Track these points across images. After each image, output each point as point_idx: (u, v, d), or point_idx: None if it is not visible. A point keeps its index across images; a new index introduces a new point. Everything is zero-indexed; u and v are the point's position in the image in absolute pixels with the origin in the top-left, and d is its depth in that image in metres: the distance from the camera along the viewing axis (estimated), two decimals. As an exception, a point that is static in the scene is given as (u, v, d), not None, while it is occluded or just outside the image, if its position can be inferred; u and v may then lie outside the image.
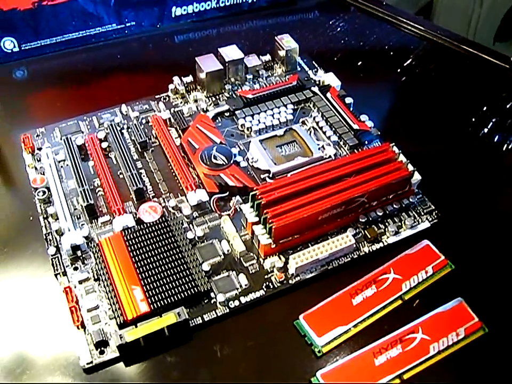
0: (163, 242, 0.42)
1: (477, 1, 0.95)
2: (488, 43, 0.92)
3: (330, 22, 0.63)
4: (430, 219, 0.46)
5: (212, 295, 0.41)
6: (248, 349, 0.39)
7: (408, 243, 0.44)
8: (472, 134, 0.53)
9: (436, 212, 0.46)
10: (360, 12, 0.66)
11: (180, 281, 0.40)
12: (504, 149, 0.52)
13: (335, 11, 0.65)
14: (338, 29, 0.62)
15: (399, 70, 0.59)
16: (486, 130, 0.53)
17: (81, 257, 0.43)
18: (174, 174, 0.48)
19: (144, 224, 0.43)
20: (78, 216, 0.45)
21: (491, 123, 0.54)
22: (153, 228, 0.43)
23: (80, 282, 0.41)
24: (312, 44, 0.60)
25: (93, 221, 0.45)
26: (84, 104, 0.54)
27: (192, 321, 0.40)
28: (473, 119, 0.54)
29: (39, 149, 0.49)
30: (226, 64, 0.52)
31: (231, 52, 0.53)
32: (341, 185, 0.44)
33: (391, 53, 0.61)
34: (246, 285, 0.42)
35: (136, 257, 0.41)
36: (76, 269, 0.42)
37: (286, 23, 0.64)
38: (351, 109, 0.51)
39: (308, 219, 0.42)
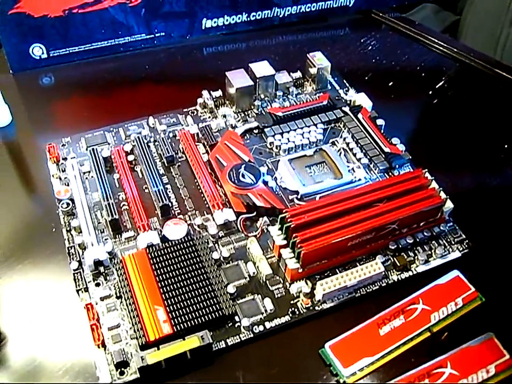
0: (188, 262, 0.41)
1: (506, 20, 0.94)
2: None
3: (361, 40, 0.62)
4: (461, 249, 0.45)
5: (236, 318, 0.40)
6: (271, 376, 0.38)
7: (438, 273, 0.43)
8: (506, 161, 0.52)
9: (467, 241, 0.45)
10: (391, 31, 0.65)
11: (204, 303, 0.40)
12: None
13: (366, 29, 0.64)
14: (369, 47, 0.61)
15: (430, 92, 0.57)
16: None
17: (103, 273, 0.42)
18: (200, 191, 0.47)
19: (169, 242, 0.42)
20: (102, 231, 0.44)
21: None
22: (178, 246, 0.42)
23: (102, 299, 0.41)
24: (343, 62, 0.59)
25: (117, 236, 0.44)
26: (110, 114, 0.53)
27: (215, 345, 0.39)
28: (506, 146, 0.53)
29: (64, 159, 0.49)
30: (257, 80, 0.52)
31: (262, 68, 0.52)
32: (372, 211, 0.43)
33: (423, 74, 0.60)
34: (271, 310, 0.41)
35: (160, 276, 0.40)
36: (97, 285, 0.41)
37: (317, 39, 0.63)
38: (382, 131, 0.50)
39: (337, 245, 0.41)
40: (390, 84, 0.58)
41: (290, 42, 0.62)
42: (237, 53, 0.60)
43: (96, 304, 0.40)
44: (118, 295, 0.41)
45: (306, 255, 0.40)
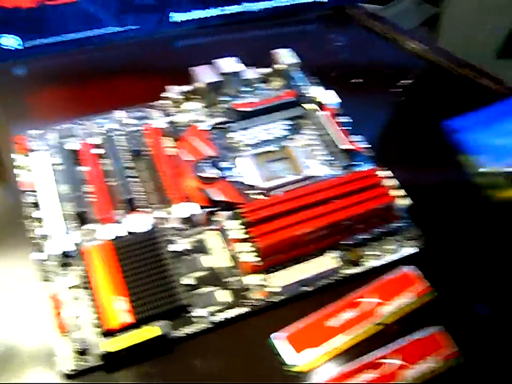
0: (150, 254, 0.43)
1: (485, 13, 0.95)
2: (493, 57, 0.92)
3: (332, 36, 0.63)
4: (416, 245, 0.46)
5: (194, 309, 0.42)
6: (227, 364, 0.40)
7: (392, 268, 0.45)
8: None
9: (423, 238, 0.47)
10: (362, 27, 0.66)
11: (164, 294, 0.41)
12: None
13: (337, 24, 0.65)
14: (339, 43, 0.62)
15: (398, 89, 0.59)
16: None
17: (68, 264, 0.43)
18: (164, 185, 0.48)
19: (133, 235, 0.44)
20: (68, 222, 0.46)
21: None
22: (141, 238, 0.44)
23: (67, 289, 0.42)
24: (312, 58, 0.60)
25: (83, 227, 0.45)
26: (81, 106, 0.54)
27: (173, 334, 0.41)
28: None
29: (33, 150, 0.50)
30: (223, 76, 0.53)
31: (229, 64, 0.53)
32: (327, 207, 0.44)
33: (392, 72, 0.61)
34: (228, 301, 0.42)
35: (123, 267, 0.42)
36: (63, 275, 0.43)
37: (287, 34, 0.64)
38: (348, 128, 0.52)
39: (293, 239, 0.43)
40: (358, 81, 0.59)
41: (260, 37, 0.63)
42: (208, 47, 0.61)
43: (61, 294, 0.42)
44: (82, 285, 0.42)
45: (262, 249, 0.42)
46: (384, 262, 0.45)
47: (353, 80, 0.59)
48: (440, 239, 0.47)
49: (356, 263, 0.45)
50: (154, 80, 0.56)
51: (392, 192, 0.46)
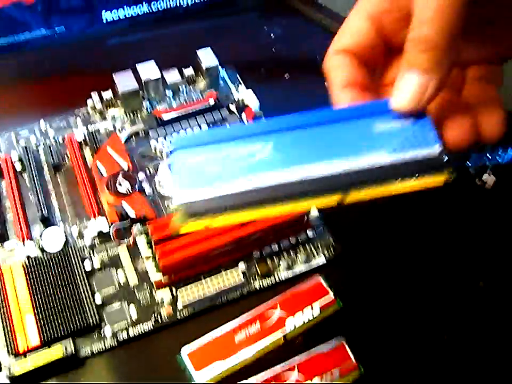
0: (61, 272, 0.44)
1: None
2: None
3: (265, 27, 0.61)
4: (327, 254, 0.47)
5: (103, 326, 0.43)
6: (134, 380, 0.42)
7: (301, 279, 0.45)
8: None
9: (334, 246, 0.47)
10: (297, 15, 0.64)
11: (72, 312, 0.43)
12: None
13: (272, 14, 0.63)
14: (272, 34, 0.61)
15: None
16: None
17: (-17, 283, 0.45)
18: (81, 199, 0.49)
19: (46, 254, 0.45)
20: (-15, 240, 0.47)
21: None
22: (53, 257, 0.45)
23: (-20, 308, 0.44)
24: (242, 53, 0.59)
25: (1, 245, 0.47)
26: (6, 114, 0.55)
27: (82, 351, 0.42)
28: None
29: (-43, 166, 0.51)
30: (144, 82, 0.52)
31: (149, 69, 0.52)
32: (234, 222, 0.44)
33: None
34: (135, 318, 0.43)
35: (32, 287, 0.43)
36: (-22, 294, 0.44)
37: (220, 27, 0.62)
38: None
39: (199, 256, 0.44)
40: (285, 76, 0.58)
41: (193, 32, 0.61)
42: (135, 47, 0.60)
43: (-25, 313, 0.44)
44: (-4, 304, 0.44)
45: (165, 267, 0.43)
46: (293, 274, 0.46)
47: (286, 75, 0.58)
48: (352, 248, 0.47)
49: (264, 276, 0.45)
50: (80, 85, 0.56)
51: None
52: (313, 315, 0.44)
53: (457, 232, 0.48)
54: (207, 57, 0.54)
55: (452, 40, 0.28)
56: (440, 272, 0.46)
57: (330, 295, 0.44)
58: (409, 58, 0.29)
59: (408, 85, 0.29)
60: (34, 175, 0.49)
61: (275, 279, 0.46)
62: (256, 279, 0.45)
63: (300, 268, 0.46)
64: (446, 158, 0.29)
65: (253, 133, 0.30)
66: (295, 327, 0.43)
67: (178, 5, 0.61)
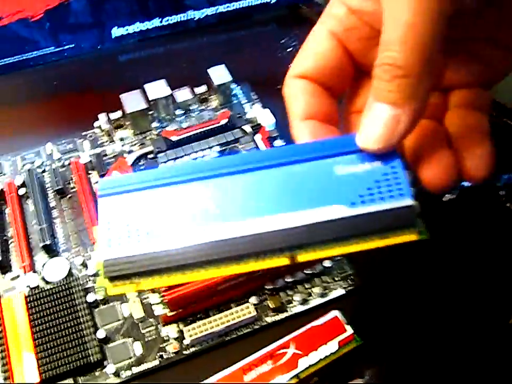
0: (63, 305, 0.42)
1: None
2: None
3: (282, 41, 0.59)
4: (345, 285, 0.44)
5: (105, 363, 0.41)
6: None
7: (317, 313, 0.42)
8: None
9: (352, 277, 0.44)
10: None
11: (73, 350, 0.40)
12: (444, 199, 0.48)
13: (290, 27, 0.60)
14: (290, 48, 0.58)
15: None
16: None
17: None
18: (86, 226, 0.47)
19: (48, 285, 0.43)
20: (-13, 270, 0.45)
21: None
22: (55, 289, 0.42)
23: (-20, 342, 0.42)
24: (258, 69, 0.56)
25: (3, 275, 0.45)
26: (13, 135, 0.53)
27: (83, 391, 0.40)
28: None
29: (-40, 191, 0.49)
30: (153, 102, 0.50)
31: (158, 88, 0.50)
32: (244, 253, 0.42)
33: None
34: (140, 354, 0.41)
35: (33, 322, 0.41)
36: (-23, 328, 0.43)
37: (235, 41, 0.60)
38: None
39: (207, 289, 0.41)
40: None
41: (206, 46, 0.59)
42: (145, 64, 0.58)
43: (-26, 347, 0.42)
44: (-5, 339, 0.42)
45: (170, 303, 0.40)
46: (307, 307, 0.43)
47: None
48: (372, 279, 0.44)
49: (277, 310, 0.43)
50: (89, 105, 0.54)
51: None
52: (329, 353, 0.41)
53: (486, 263, 0.44)
54: (219, 74, 0.51)
55: (427, 64, 0.23)
56: (468, 308, 0.43)
57: (348, 332, 0.41)
58: (377, 88, 0.24)
59: (376, 120, 0.24)
60: (38, 201, 0.47)
61: (288, 314, 0.43)
62: (268, 314, 0.43)
63: (316, 301, 0.43)
64: (418, 211, 0.24)
65: (191, 176, 0.26)
66: (309, 366, 0.40)
67: (190, 18, 0.58)
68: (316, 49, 0.29)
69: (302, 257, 0.25)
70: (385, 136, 0.24)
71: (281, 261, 0.25)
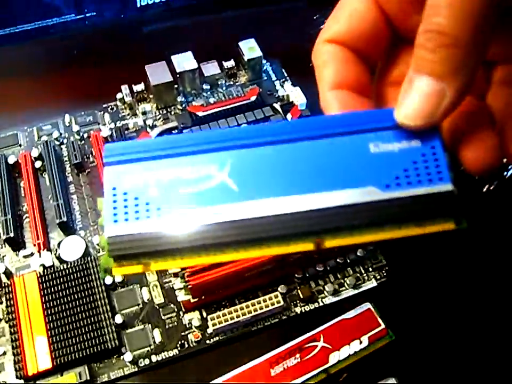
0: (79, 287, 0.40)
1: None
2: None
3: (315, 17, 0.55)
4: (378, 277, 0.41)
5: (123, 350, 0.38)
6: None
7: (350, 304, 0.40)
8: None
9: (386, 268, 0.41)
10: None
11: (89, 335, 0.38)
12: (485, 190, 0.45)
13: (322, 3, 0.57)
14: (323, 25, 0.55)
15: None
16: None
17: (-4, 295, 0.41)
18: (105, 204, 0.44)
19: (63, 265, 0.40)
20: (1, 246, 0.43)
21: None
22: (71, 269, 0.40)
23: (-9, 323, 0.40)
24: (289, 45, 0.53)
25: (13, 254, 0.42)
26: (32, 105, 0.50)
27: (98, 378, 0.37)
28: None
29: (-26, 162, 0.46)
30: (179, 74, 0.47)
31: (184, 60, 0.47)
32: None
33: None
34: (159, 342, 0.39)
35: (48, 303, 0.39)
36: (-13, 308, 0.40)
37: (265, 14, 0.57)
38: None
39: (233, 276, 0.38)
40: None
41: (237, 19, 0.56)
42: (170, 35, 0.55)
43: (-15, 329, 0.39)
44: (7, 320, 0.39)
45: (194, 289, 0.38)
46: (339, 298, 0.40)
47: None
48: (406, 270, 0.41)
49: (306, 300, 0.40)
50: (110, 76, 0.51)
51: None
52: (360, 349, 0.38)
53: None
54: (250, 47, 0.48)
55: (478, 33, 0.20)
56: (508, 303, 0.40)
57: (381, 326, 0.39)
58: (420, 58, 0.21)
59: (417, 93, 0.21)
60: (55, 175, 0.44)
61: (319, 305, 0.40)
62: (297, 304, 0.40)
63: (348, 292, 0.40)
64: (458, 198, 0.22)
65: (208, 146, 0.23)
66: (339, 361, 0.38)
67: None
68: (349, 11, 0.26)
69: (329, 243, 0.22)
70: (427, 112, 0.22)
71: (306, 246, 0.22)
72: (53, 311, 0.38)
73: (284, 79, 0.50)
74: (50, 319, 0.38)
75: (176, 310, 0.40)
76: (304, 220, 0.22)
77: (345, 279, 0.41)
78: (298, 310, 0.40)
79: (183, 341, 0.39)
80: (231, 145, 0.23)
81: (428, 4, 0.21)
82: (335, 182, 0.22)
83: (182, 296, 0.39)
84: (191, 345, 0.39)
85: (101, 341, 0.38)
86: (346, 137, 0.23)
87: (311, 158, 0.23)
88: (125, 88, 0.48)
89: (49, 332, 0.38)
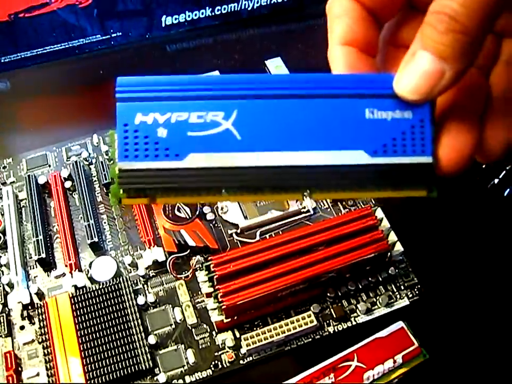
0: (111, 308, 0.40)
1: None
2: None
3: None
4: (410, 295, 0.41)
5: (156, 371, 0.38)
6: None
7: (382, 323, 0.40)
8: (480, 186, 0.47)
9: (419, 286, 0.41)
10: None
11: (122, 356, 0.38)
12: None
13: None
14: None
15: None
16: (496, 181, 0.46)
17: (28, 316, 0.41)
18: (135, 223, 0.44)
19: (95, 285, 0.41)
20: (33, 266, 0.43)
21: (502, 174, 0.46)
22: (103, 290, 0.40)
23: (24, 344, 0.40)
24: (315, 61, 0.54)
25: (44, 275, 0.42)
26: (60, 127, 0.51)
27: (131, 399, 0.38)
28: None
29: (4, 183, 0.47)
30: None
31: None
32: (307, 258, 0.39)
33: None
34: (193, 362, 0.39)
35: (81, 324, 0.39)
36: (22, 328, 0.40)
37: (289, 33, 0.57)
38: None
39: (266, 296, 0.38)
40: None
41: (258, 37, 0.56)
42: (197, 53, 0.55)
43: (19, 349, 0.39)
44: (40, 341, 0.39)
45: (228, 309, 0.38)
46: (372, 317, 0.40)
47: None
48: (439, 288, 0.41)
49: (340, 320, 0.40)
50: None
51: (387, 235, 0.40)
52: (394, 368, 0.38)
53: None
54: (276, 66, 0.48)
55: (487, 25, 0.21)
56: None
57: (415, 345, 0.39)
58: (428, 37, 0.22)
59: (419, 68, 0.22)
60: (85, 195, 0.44)
61: (352, 324, 0.40)
62: (330, 323, 0.40)
63: (380, 311, 0.40)
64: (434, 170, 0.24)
65: (217, 93, 0.24)
66: (373, 381, 0.37)
67: (242, 9, 0.56)
68: None
69: (316, 196, 0.25)
70: (425, 88, 0.23)
71: (296, 196, 0.25)
72: (86, 332, 0.38)
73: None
74: (84, 340, 0.38)
75: (209, 330, 0.40)
76: (297, 174, 0.24)
77: (378, 297, 0.41)
78: (331, 329, 0.40)
79: (216, 361, 0.39)
80: (238, 94, 0.24)
81: None
82: (329, 142, 0.24)
83: (215, 316, 0.39)
84: (225, 366, 0.39)
85: (135, 362, 0.38)
86: (347, 100, 0.24)
87: (311, 116, 0.24)
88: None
89: (82, 353, 0.38)
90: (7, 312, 0.40)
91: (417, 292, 0.41)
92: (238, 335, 0.39)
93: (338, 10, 0.26)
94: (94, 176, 0.47)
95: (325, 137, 0.24)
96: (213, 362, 0.39)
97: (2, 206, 0.45)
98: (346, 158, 0.24)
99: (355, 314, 0.40)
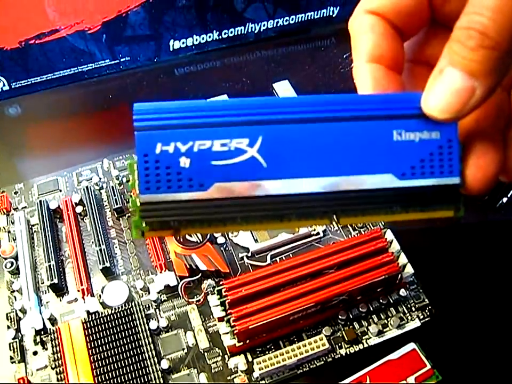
0: (124, 333, 0.40)
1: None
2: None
3: (344, 56, 0.56)
4: (422, 316, 0.41)
5: (169, 396, 0.38)
6: None
7: (394, 344, 0.40)
8: (488, 205, 0.47)
9: (430, 308, 0.41)
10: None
11: (135, 381, 0.38)
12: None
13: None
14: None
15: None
16: (504, 200, 0.46)
17: (41, 341, 0.41)
18: (146, 248, 0.44)
19: (107, 310, 0.41)
20: (45, 292, 0.43)
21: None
22: (115, 314, 0.40)
23: (38, 370, 0.40)
24: (321, 82, 0.54)
25: (56, 300, 0.43)
26: (69, 150, 0.51)
27: (145, 425, 0.38)
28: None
29: (15, 209, 0.47)
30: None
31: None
32: (318, 282, 0.39)
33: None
34: (205, 388, 0.39)
35: (94, 349, 0.39)
36: (35, 353, 0.41)
37: (296, 54, 0.57)
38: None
39: (278, 320, 0.38)
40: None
41: (265, 59, 0.57)
42: (204, 77, 0.56)
43: (32, 375, 0.40)
44: (53, 367, 0.40)
45: (240, 333, 0.38)
46: (383, 339, 0.40)
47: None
48: (450, 309, 0.41)
49: (351, 342, 0.40)
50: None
51: (398, 257, 0.40)
52: (408, 390, 0.38)
53: None
54: (284, 89, 0.49)
55: None
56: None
57: (427, 367, 0.39)
58: (457, 53, 0.21)
59: (448, 87, 0.22)
60: (96, 220, 0.45)
61: (363, 346, 0.40)
62: (342, 346, 0.40)
63: (392, 332, 0.40)
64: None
65: (240, 119, 0.23)
66: (387, 404, 0.38)
67: (248, 32, 0.56)
68: None
69: (344, 221, 0.24)
70: (456, 106, 0.22)
71: (323, 222, 0.25)
72: (99, 357, 0.39)
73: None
74: (97, 365, 0.38)
75: (221, 354, 0.40)
76: (324, 201, 0.23)
77: (389, 319, 0.41)
78: (343, 351, 0.40)
79: (229, 386, 0.39)
80: (262, 119, 0.23)
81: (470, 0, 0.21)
82: (357, 167, 0.24)
83: (227, 340, 0.39)
84: (238, 390, 0.39)
85: (148, 387, 0.38)
86: (374, 122, 0.24)
87: (338, 141, 0.24)
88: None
89: (95, 379, 0.38)
90: (20, 338, 0.41)
91: (428, 313, 0.41)
92: (250, 358, 0.39)
93: (363, 26, 0.26)
94: (105, 201, 0.47)
95: (353, 162, 0.23)
96: (225, 387, 0.39)
97: (14, 231, 0.45)
98: (375, 182, 0.23)
99: (367, 336, 0.40)
